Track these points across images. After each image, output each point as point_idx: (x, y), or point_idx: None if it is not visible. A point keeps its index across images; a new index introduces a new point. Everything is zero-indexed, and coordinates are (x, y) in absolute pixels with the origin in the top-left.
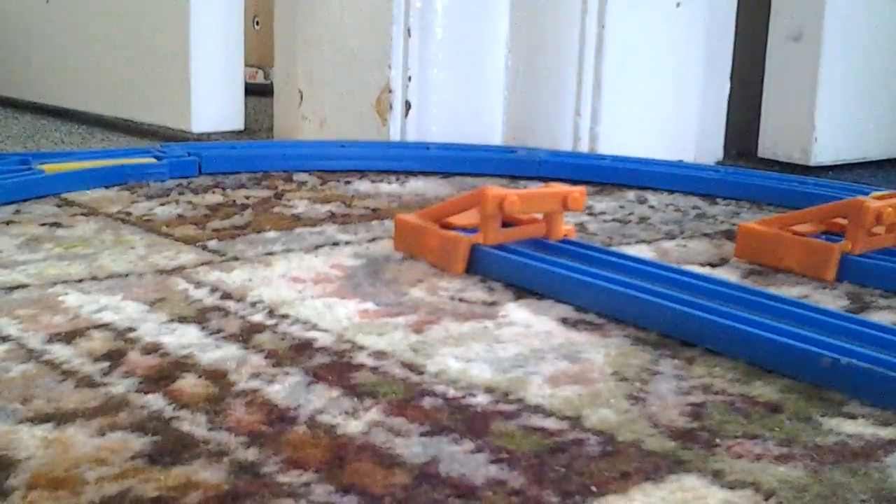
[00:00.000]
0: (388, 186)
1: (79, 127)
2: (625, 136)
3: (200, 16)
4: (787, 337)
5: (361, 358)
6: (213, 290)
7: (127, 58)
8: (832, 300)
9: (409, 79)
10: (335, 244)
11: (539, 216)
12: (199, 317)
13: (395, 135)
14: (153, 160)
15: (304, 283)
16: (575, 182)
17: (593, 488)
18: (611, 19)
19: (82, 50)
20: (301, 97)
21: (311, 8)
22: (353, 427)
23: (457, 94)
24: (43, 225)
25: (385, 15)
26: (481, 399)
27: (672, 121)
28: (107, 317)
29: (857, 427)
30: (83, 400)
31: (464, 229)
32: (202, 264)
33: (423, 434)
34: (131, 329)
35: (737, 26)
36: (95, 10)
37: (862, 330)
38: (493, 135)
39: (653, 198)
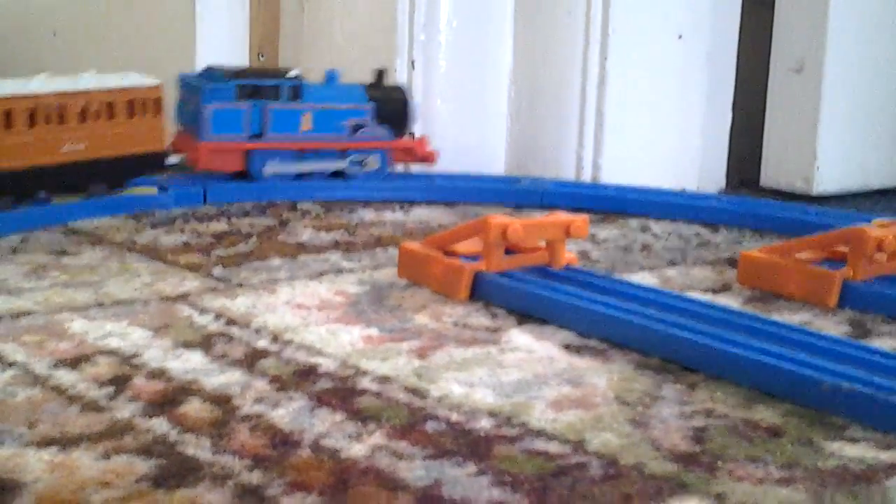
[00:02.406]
0: (393, 215)
1: None
2: (628, 167)
3: (205, 50)
4: (788, 362)
5: (365, 383)
6: (218, 316)
7: None
8: (834, 326)
9: None
10: (339, 271)
11: (542, 244)
12: (204, 342)
13: (399, 166)
14: (159, 190)
15: (308, 310)
16: (578, 211)
17: None
18: (613, 52)
19: None
20: None
21: (314, 40)
22: (357, 451)
23: (460, 125)
24: (49, 253)
25: (389, 47)
26: (484, 423)
27: (675, 151)
28: (112, 343)
29: (858, 451)
30: (89, 424)
31: (467, 257)
32: (207, 291)
33: (426, 458)
34: (136, 355)
35: (738, 58)
36: (103, 44)
37: (863, 356)
38: (497, 165)
39: (655, 226)
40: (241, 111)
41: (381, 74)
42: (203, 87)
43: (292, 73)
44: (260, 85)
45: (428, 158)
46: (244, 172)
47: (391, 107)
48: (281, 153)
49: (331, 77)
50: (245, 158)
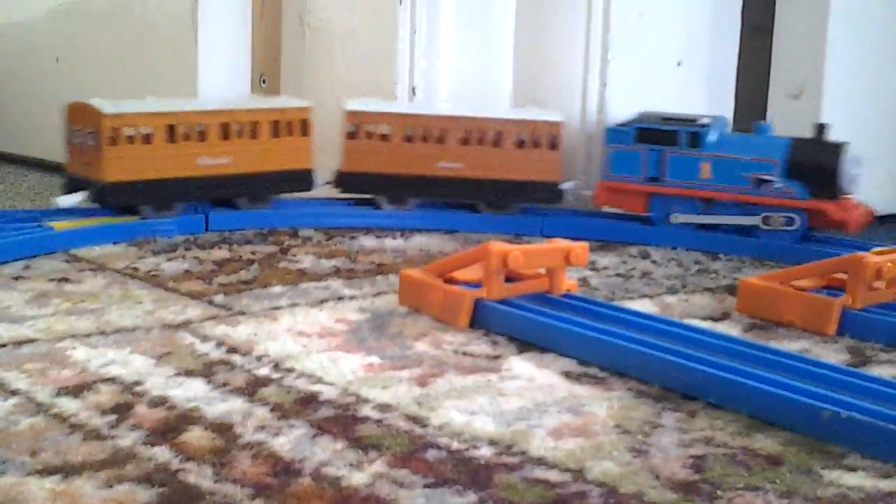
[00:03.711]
0: (393, 242)
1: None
2: None
3: (207, 75)
4: (787, 390)
5: (366, 411)
6: (220, 344)
7: None
8: (833, 354)
9: None
10: (340, 299)
11: (542, 271)
12: (206, 370)
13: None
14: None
15: (309, 338)
16: (578, 238)
17: None
18: (612, 78)
19: None
20: None
21: (316, 66)
22: (358, 479)
23: None
24: (51, 280)
25: (390, 74)
26: (485, 451)
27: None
28: (114, 370)
29: (857, 479)
30: (91, 452)
31: (468, 284)
32: (208, 319)
33: (426, 486)
34: (138, 382)
35: (737, 84)
36: (104, 68)
37: (862, 384)
38: None
39: (655, 253)
40: (638, 154)
41: (821, 129)
42: (606, 128)
43: (703, 121)
44: (659, 130)
45: (842, 225)
46: (641, 215)
47: (811, 164)
48: (680, 200)
49: (762, 129)
50: (645, 201)
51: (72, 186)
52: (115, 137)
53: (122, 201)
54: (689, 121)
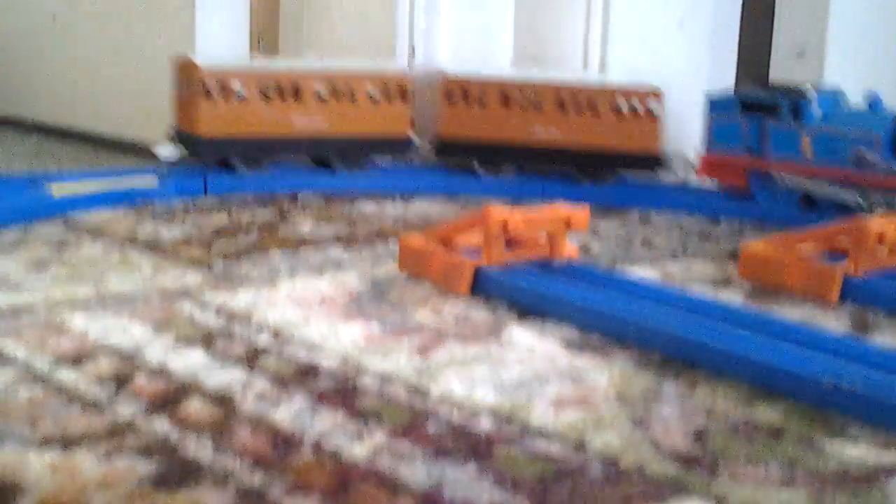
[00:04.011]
0: (393, 207)
1: (85, 147)
2: None
3: (205, 35)
4: (789, 359)
5: (366, 381)
6: (219, 311)
7: (132, 76)
8: (834, 321)
9: None
10: (340, 265)
11: (542, 236)
12: (205, 339)
13: None
14: (159, 179)
15: (309, 305)
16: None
17: None
18: (614, 37)
19: (88, 69)
20: None
21: (315, 27)
22: (358, 451)
23: None
24: (50, 246)
25: (388, 33)
26: (485, 423)
27: (676, 142)
28: (113, 339)
29: (859, 451)
30: (90, 424)
31: (468, 248)
32: (207, 286)
33: (427, 458)
34: (137, 352)
35: (740, 43)
36: (102, 28)
37: (864, 352)
38: None
39: (656, 218)
40: (738, 126)
41: None
42: (708, 98)
43: (807, 92)
44: (760, 100)
45: None
46: (743, 190)
47: None
48: (783, 176)
49: (873, 102)
50: (745, 176)
51: (175, 139)
52: (210, 92)
53: (214, 156)
54: (794, 91)
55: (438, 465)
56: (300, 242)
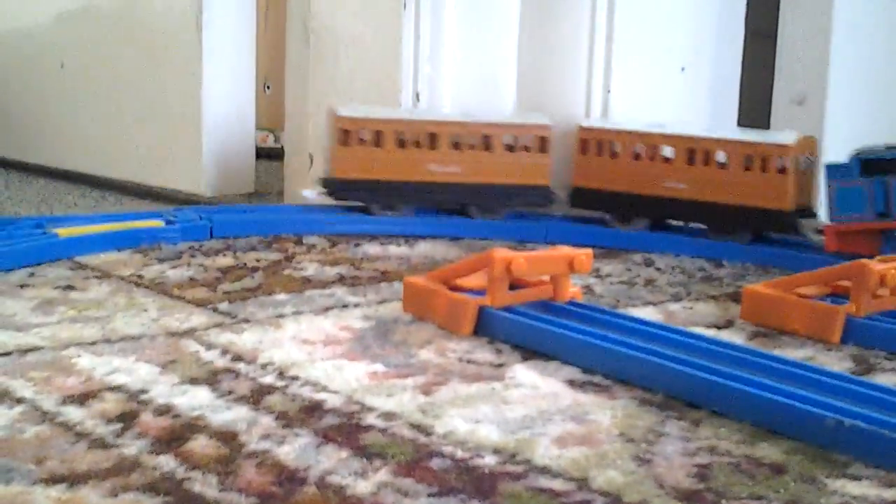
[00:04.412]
0: (397, 249)
1: (92, 191)
2: None
3: (212, 80)
4: (792, 399)
5: (370, 419)
6: (224, 352)
7: (139, 122)
8: (837, 362)
9: None
10: (345, 306)
11: (546, 278)
12: (211, 379)
13: None
14: (165, 224)
15: (313, 345)
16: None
17: None
18: (616, 83)
19: (95, 115)
20: (311, 161)
21: (320, 72)
22: (362, 488)
23: None
24: (57, 288)
25: (394, 80)
26: (489, 460)
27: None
28: (119, 379)
29: (861, 488)
30: (96, 461)
31: (472, 291)
32: (213, 326)
33: (431, 495)
34: (143, 391)
35: (741, 90)
36: (109, 75)
37: (866, 392)
38: None
39: (659, 260)
40: (862, 189)
41: None
42: (825, 165)
43: None
44: (882, 158)
45: None
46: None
47: None
48: None
49: None
50: (877, 241)
51: (321, 182)
52: (347, 138)
53: (349, 197)
54: None
55: (442, 502)
56: (305, 283)
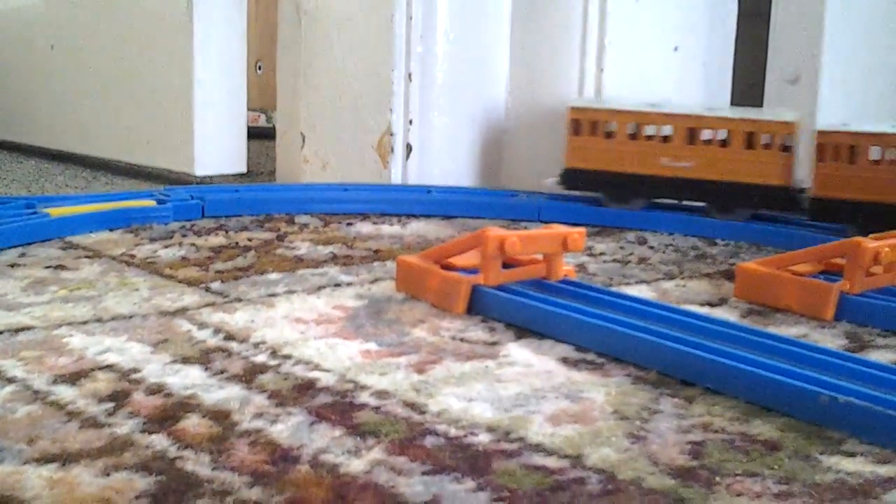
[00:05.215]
0: (390, 228)
1: (83, 171)
2: None
3: (203, 60)
4: (785, 376)
5: (364, 398)
6: (217, 331)
7: (131, 102)
8: (831, 339)
9: (411, 122)
10: (337, 285)
11: (539, 257)
12: (203, 358)
13: (396, 177)
14: (156, 203)
15: (306, 324)
16: (574, 224)
17: None
18: (609, 63)
19: (87, 95)
20: (303, 140)
21: (313, 52)
22: (356, 466)
23: (457, 137)
24: (48, 267)
25: (386, 60)
26: (483, 438)
27: None
28: (111, 358)
29: (855, 465)
30: (88, 440)
31: (465, 270)
32: (205, 306)
33: (424, 473)
34: (135, 370)
35: (734, 69)
36: (99, 55)
37: (860, 369)
38: (493, 181)
39: (652, 238)
40: None
41: None
42: None
43: None
44: None
45: None
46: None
47: None
48: None
49: None
50: None
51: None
52: (578, 128)
53: (577, 187)
54: None
55: (436, 480)
56: (298, 262)
